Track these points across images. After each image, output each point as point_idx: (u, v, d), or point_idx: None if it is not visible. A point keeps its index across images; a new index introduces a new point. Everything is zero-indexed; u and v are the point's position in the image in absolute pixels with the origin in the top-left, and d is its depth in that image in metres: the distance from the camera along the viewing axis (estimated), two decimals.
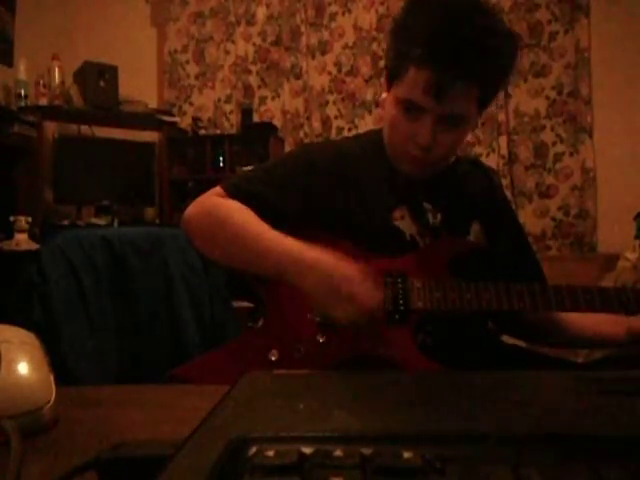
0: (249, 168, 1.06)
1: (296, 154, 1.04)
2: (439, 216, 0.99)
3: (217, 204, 0.92)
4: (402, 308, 0.88)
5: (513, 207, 1.20)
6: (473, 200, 1.04)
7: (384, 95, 0.97)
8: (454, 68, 0.83)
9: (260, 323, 0.98)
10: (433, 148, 0.89)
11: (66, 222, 3.07)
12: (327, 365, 0.86)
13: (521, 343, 1.13)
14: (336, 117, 3.49)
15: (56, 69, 3.23)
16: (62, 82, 3.25)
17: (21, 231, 2.58)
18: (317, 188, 0.95)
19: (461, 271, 0.92)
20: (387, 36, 0.96)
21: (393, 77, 0.91)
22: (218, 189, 0.96)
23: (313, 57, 3.53)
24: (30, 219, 2.64)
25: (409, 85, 0.87)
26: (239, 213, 0.89)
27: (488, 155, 3.21)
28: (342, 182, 0.96)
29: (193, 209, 0.95)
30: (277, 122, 3.54)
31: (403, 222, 0.96)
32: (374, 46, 3.40)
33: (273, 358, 0.87)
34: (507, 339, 1.13)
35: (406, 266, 0.91)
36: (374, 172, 0.99)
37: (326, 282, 0.77)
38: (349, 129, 3.46)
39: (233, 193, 0.93)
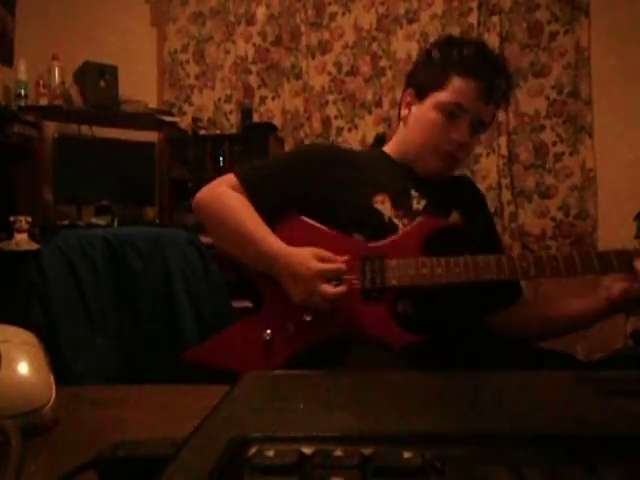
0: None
1: (301, 147, 1.30)
2: (423, 202, 1.10)
3: (223, 196, 1.06)
4: (378, 286, 0.98)
5: (494, 219, 1.32)
6: (456, 195, 1.16)
7: (405, 111, 1.15)
8: (501, 81, 1.07)
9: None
10: (464, 147, 1.08)
11: (66, 222, 3.07)
12: (316, 341, 0.99)
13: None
14: (336, 117, 3.49)
15: (56, 69, 3.23)
16: (62, 82, 3.25)
17: (21, 231, 2.58)
18: (312, 172, 1.09)
19: (438, 249, 1.00)
20: (419, 59, 1.20)
21: (431, 87, 1.09)
22: (232, 177, 1.09)
23: (313, 57, 3.53)
24: (30, 219, 2.64)
25: (456, 91, 1.05)
26: (239, 209, 1.04)
27: (488, 155, 3.21)
28: (333, 168, 1.10)
29: (204, 195, 1.09)
30: (277, 122, 3.54)
31: (383, 206, 1.07)
32: (374, 46, 3.40)
33: (267, 338, 0.99)
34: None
35: (385, 249, 1.01)
36: (365, 162, 1.14)
37: (299, 282, 0.95)
38: (349, 129, 3.46)
39: (245, 182, 1.08)
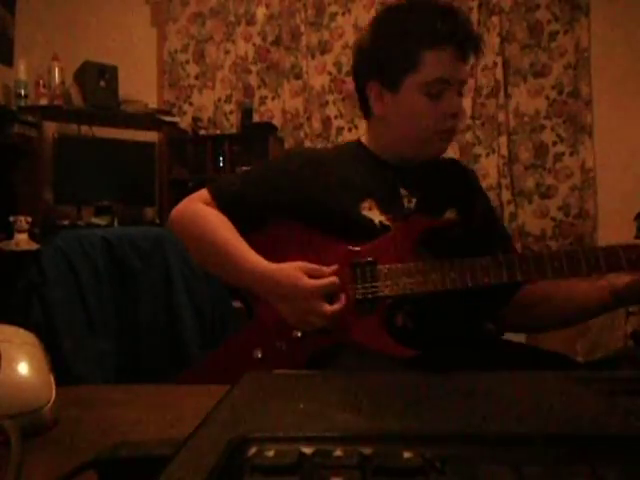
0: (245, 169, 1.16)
1: (276, 157, 1.19)
2: (414, 201, 1.04)
3: (198, 214, 1.02)
4: (370, 297, 0.93)
5: (491, 201, 1.26)
6: (449, 188, 1.10)
7: (379, 105, 1.05)
8: (469, 32, 1.00)
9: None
10: (458, 116, 1.01)
11: (66, 222, 3.07)
12: (308, 356, 0.94)
13: (520, 337, 1.13)
14: (336, 117, 3.49)
15: (56, 69, 3.23)
16: (62, 82, 3.25)
17: (21, 231, 2.59)
18: (290, 182, 1.03)
19: (433, 249, 0.95)
20: (376, 48, 1.05)
21: (403, 71, 0.99)
22: (204, 193, 1.05)
23: (313, 57, 3.53)
24: (30, 219, 2.64)
25: (434, 67, 0.98)
26: (216, 227, 0.99)
27: (488, 155, 3.21)
28: (313, 177, 1.03)
29: (178, 212, 1.05)
30: (277, 122, 3.54)
31: (371, 212, 1.01)
32: None
33: (259, 355, 0.95)
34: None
35: (376, 252, 0.96)
36: (347, 168, 1.06)
37: (291, 302, 0.90)
38: (349, 129, 3.46)
39: (217, 198, 1.03)
